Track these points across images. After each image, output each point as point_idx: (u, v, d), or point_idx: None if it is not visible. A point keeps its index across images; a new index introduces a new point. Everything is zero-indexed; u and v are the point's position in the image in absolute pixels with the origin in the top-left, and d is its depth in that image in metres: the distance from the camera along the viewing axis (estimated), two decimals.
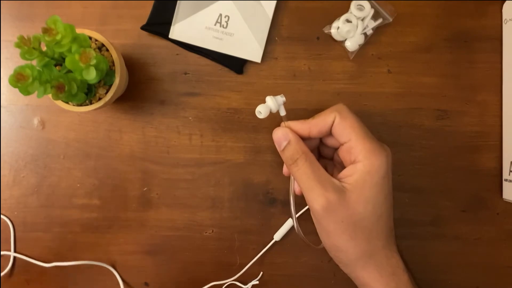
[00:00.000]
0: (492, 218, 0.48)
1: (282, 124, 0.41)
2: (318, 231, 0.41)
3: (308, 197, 0.38)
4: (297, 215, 0.48)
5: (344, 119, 0.39)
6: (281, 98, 0.40)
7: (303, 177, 0.38)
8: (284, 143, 0.40)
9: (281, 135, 0.40)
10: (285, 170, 0.45)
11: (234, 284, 0.48)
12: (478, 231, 0.48)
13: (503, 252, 0.48)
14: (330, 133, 0.41)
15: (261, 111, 0.39)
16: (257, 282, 0.48)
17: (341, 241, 0.39)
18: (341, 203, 0.37)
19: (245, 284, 0.48)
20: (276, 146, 0.41)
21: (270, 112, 0.40)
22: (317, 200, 0.37)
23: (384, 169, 0.38)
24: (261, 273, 0.48)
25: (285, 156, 0.40)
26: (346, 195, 0.37)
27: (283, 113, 0.40)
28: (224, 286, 0.48)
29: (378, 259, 0.40)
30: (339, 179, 0.39)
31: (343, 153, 0.40)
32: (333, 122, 0.40)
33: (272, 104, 0.39)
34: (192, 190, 0.48)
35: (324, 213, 0.38)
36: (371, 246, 0.39)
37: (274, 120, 0.48)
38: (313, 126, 0.40)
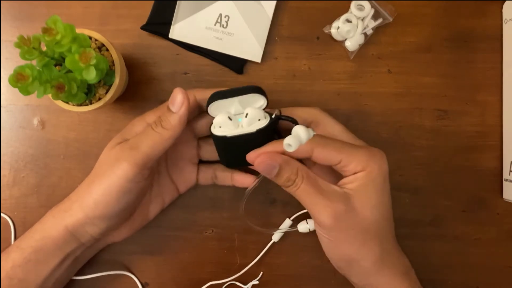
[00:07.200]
0: (492, 218, 0.48)
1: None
2: (325, 246, 0.39)
3: (314, 212, 0.37)
4: (296, 215, 0.48)
5: (325, 147, 0.37)
6: (312, 132, 0.35)
7: (304, 195, 0.37)
8: (276, 170, 0.36)
9: (269, 162, 0.36)
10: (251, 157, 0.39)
11: (234, 284, 0.48)
12: (478, 231, 0.48)
13: (503, 252, 0.48)
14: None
15: (291, 144, 0.33)
16: (257, 282, 0.48)
17: (353, 249, 0.37)
18: (349, 210, 0.36)
19: (245, 284, 0.48)
20: (265, 174, 0.37)
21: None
22: (323, 213, 0.36)
23: (384, 172, 0.37)
24: (261, 273, 0.48)
25: (281, 181, 0.37)
26: (351, 201, 0.36)
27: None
28: (224, 286, 0.48)
29: (391, 260, 0.39)
30: (339, 186, 0.38)
31: (338, 168, 0.38)
32: (311, 152, 0.37)
33: (304, 136, 0.34)
34: (192, 190, 0.48)
35: (334, 224, 0.36)
36: (382, 249, 0.38)
37: None
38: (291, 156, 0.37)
